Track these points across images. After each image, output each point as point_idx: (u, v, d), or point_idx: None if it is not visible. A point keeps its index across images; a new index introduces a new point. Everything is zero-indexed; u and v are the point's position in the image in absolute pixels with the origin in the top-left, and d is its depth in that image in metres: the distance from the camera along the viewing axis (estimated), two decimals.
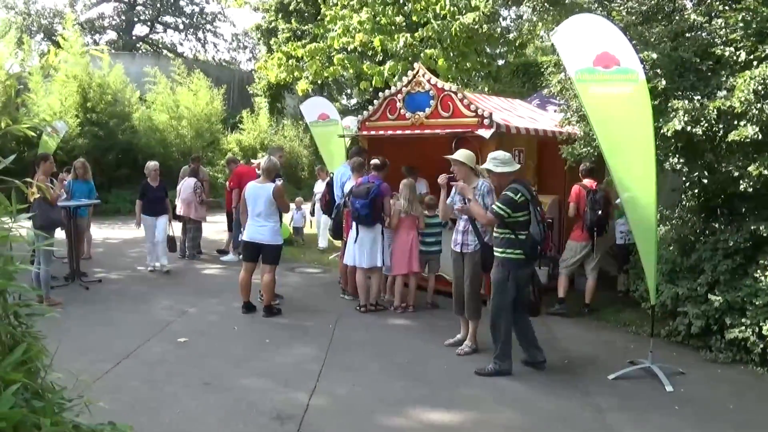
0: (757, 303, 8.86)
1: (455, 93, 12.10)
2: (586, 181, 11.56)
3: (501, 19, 21.90)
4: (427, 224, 11.84)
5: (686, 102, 8.99)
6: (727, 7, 9.79)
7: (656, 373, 8.57)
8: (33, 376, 2.98)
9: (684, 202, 10.65)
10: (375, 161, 11.70)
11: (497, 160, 8.75)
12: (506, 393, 8.09)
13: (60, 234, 13.54)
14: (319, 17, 24.66)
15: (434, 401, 7.71)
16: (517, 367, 8.89)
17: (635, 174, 8.48)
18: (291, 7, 34.59)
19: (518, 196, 8.45)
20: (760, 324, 8.79)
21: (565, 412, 7.54)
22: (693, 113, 8.86)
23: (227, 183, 17.43)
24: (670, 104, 9.10)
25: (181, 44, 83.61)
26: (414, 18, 20.32)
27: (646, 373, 8.70)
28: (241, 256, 12.38)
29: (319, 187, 16.64)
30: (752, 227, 9.25)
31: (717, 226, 10.02)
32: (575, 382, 8.52)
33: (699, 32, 10.17)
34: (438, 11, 19.39)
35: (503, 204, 8.46)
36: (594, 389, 8.27)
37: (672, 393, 8.19)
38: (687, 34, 10.01)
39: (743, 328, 8.98)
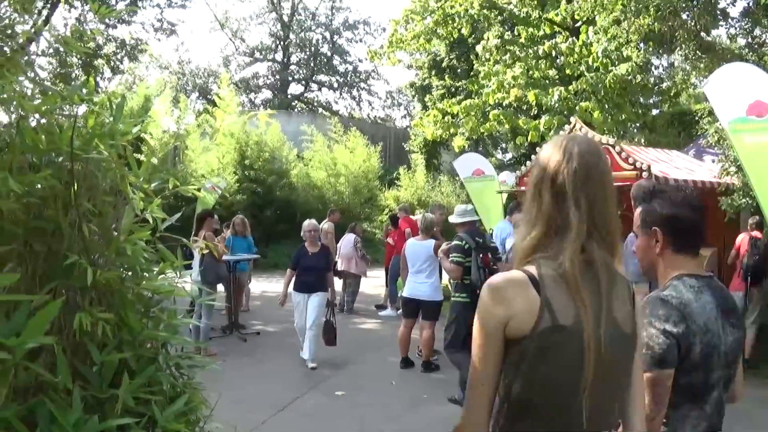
0: None
1: (613, 146, 12.06)
2: (755, 233, 11.25)
3: (653, 68, 21.63)
4: None
5: None
6: None
7: None
8: (193, 426, 3.11)
9: None
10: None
11: (455, 213, 9.84)
12: None
13: (220, 287, 13.85)
14: (472, 73, 24.95)
15: None
16: None
17: None
18: (444, 64, 35.05)
19: (463, 243, 9.35)
20: None
21: None
22: None
23: (386, 237, 17.68)
24: None
25: (336, 102, 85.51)
26: (567, 71, 20.32)
27: None
28: (399, 311, 12.51)
29: None
30: None
31: None
32: None
33: None
34: (591, 63, 19.33)
35: (456, 253, 9.38)
36: None
37: None
38: None
39: None
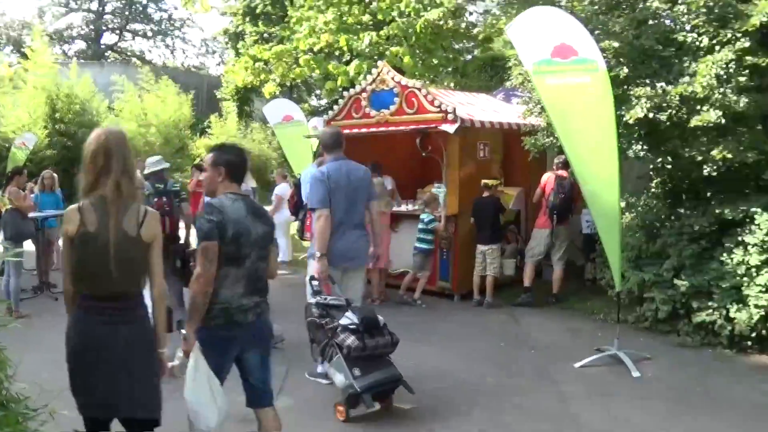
0: (723, 286, 8.85)
1: (419, 89, 12.03)
2: (560, 172, 11.49)
3: (467, 14, 21.91)
4: (424, 220, 11.77)
5: (649, 89, 9.00)
6: None
7: (623, 360, 8.51)
8: None
9: (650, 189, 10.65)
10: None
11: (146, 165, 10.35)
12: (475, 386, 8.00)
13: (29, 245, 13.24)
14: (285, 19, 24.57)
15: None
16: (481, 356, 8.88)
17: (597, 163, 8.46)
18: (258, 10, 34.47)
19: (144, 190, 9.58)
20: (728, 306, 8.79)
21: (531, 403, 7.46)
22: (656, 100, 8.87)
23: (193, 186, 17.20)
24: (632, 92, 9.09)
25: (150, 51, 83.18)
26: (380, 16, 20.24)
27: (613, 360, 8.65)
28: None
29: (281, 189, 16.32)
30: (717, 211, 9.27)
31: (682, 211, 10.02)
32: (541, 372, 8.46)
33: (662, 19, 10.17)
34: (403, 9, 19.33)
35: None
36: (560, 378, 8.23)
37: (639, 379, 8.16)
38: (650, 22, 9.99)
39: (710, 311, 8.97)
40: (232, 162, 5.12)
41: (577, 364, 8.59)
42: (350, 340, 6.71)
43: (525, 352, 9.28)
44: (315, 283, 7.41)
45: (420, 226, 11.71)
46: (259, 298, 5.17)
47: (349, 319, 6.85)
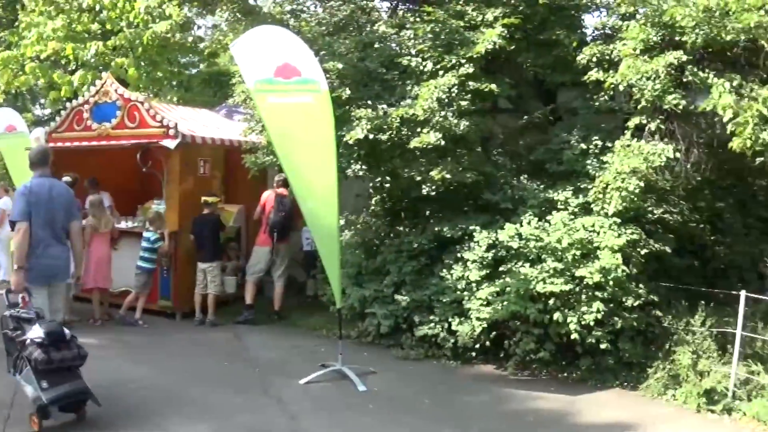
0: (444, 300, 9.20)
1: (142, 103, 11.73)
2: (281, 190, 11.48)
3: (195, 27, 21.59)
4: (146, 239, 11.40)
5: (370, 111, 9.22)
6: (418, 19, 10.15)
7: (348, 375, 8.62)
8: None
9: (370, 208, 10.91)
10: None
11: None
12: (200, 406, 7.77)
13: None
14: (15, 24, 23.10)
15: None
16: (205, 375, 8.74)
17: (316, 182, 8.55)
18: None
19: None
20: (449, 320, 9.12)
21: (260, 422, 7.37)
22: (377, 121, 9.10)
23: None
24: (354, 113, 9.28)
25: None
26: (108, 26, 19.50)
27: (338, 375, 8.73)
28: None
29: (3, 203, 15.26)
30: (436, 229, 9.63)
31: (401, 229, 10.37)
32: (267, 390, 8.38)
33: (388, 43, 10.47)
34: (132, 19, 18.73)
35: None
36: (287, 395, 8.17)
37: (365, 392, 8.29)
38: (376, 45, 10.26)
39: (432, 324, 9.30)
40: None
41: (303, 381, 8.58)
42: (37, 353, 6.60)
43: (250, 370, 9.17)
44: (11, 296, 7.20)
45: (144, 244, 11.35)
46: None
47: (35, 332, 6.73)
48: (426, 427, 7.40)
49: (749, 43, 8.17)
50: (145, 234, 11.40)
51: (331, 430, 7.20)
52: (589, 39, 10.45)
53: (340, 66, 9.50)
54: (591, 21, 11.27)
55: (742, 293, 8.26)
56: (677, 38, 8.41)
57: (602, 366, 8.96)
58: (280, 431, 7.16)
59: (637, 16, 9.11)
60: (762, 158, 7.71)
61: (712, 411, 8.01)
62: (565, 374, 9.15)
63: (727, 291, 9.05)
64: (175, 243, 11.58)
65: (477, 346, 9.20)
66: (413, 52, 10.00)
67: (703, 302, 8.86)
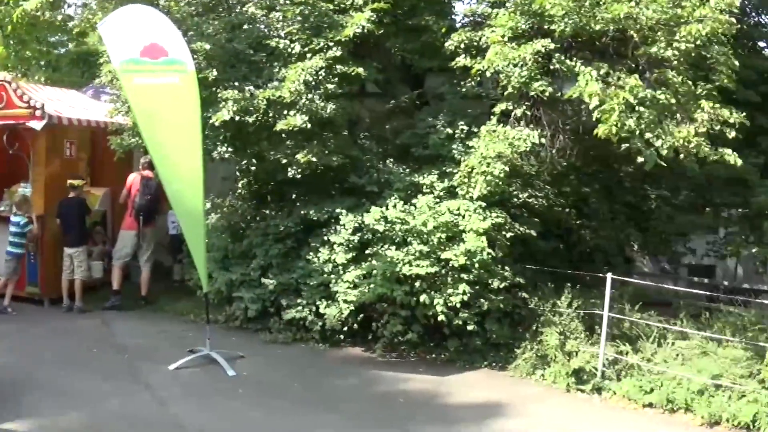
0: (311, 283, 9.25)
1: (9, 83, 11.23)
2: (146, 173, 11.25)
3: (65, 6, 20.86)
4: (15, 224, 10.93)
5: (236, 92, 9.11)
6: (287, 1, 10.07)
7: (216, 360, 8.56)
8: None
9: (236, 191, 10.86)
10: None
11: None
12: (69, 394, 7.57)
13: None
14: None
15: None
16: (73, 362, 8.53)
17: (182, 164, 8.45)
18: None
19: None
20: (317, 303, 9.17)
21: (130, 409, 7.25)
22: (243, 103, 9.00)
23: None
24: (220, 94, 9.15)
25: None
26: None
27: (207, 360, 8.66)
28: None
29: None
30: (302, 212, 9.66)
31: (267, 212, 10.34)
32: (136, 376, 8.25)
33: (257, 24, 10.37)
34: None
35: None
36: (156, 381, 8.08)
37: (234, 377, 8.28)
38: (245, 26, 10.14)
39: (300, 308, 9.33)
40: None
41: (172, 367, 8.49)
42: None
43: (118, 356, 9.01)
44: None
45: (13, 229, 10.89)
46: None
47: None
48: (296, 411, 7.45)
49: (618, 33, 8.43)
50: (14, 218, 10.95)
51: (201, 416, 7.15)
52: (458, 26, 10.60)
53: (207, 47, 9.38)
54: (461, 8, 11.44)
55: (608, 276, 8.60)
56: (546, 27, 8.59)
57: (470, 347, 9.21)
58: (150, 417, 7.06)
59: (507, 4, 9.23)
60: (627, 144, 7.95)
61: (582, 390, 8.36)
62: (434, 356, 9.37)
63: (594, 274, 9.41)
64: (41, 227, 11.19)
65: (345, 328, 9.31)
66: (282, 34, 9.95)
67: (569, 284, 9.18)
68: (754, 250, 11.58)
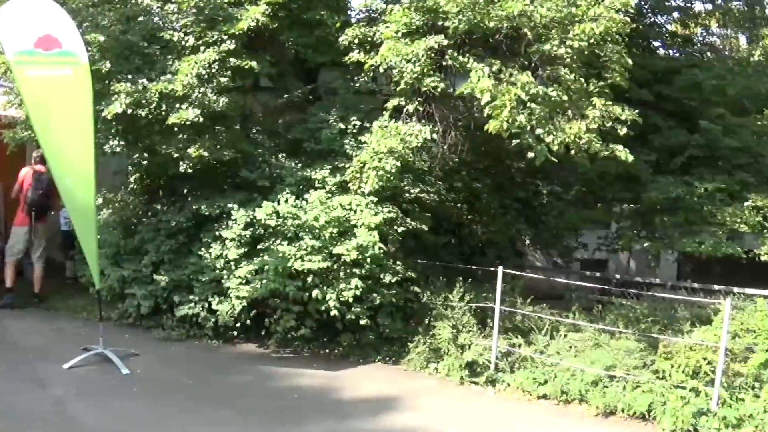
0: (203, 279, 9.21)
1: None
2: (38, 167, 11.02)
3: None
4: None
5: (129, 85, 8.96)
6: None
7: (110, 358, 8.44)
8: None
9: (128, 185, 10.75)
10: None
11: None
12: None
13: None
14: None
15: None
16: None
17: (73, 158, 8.29)
18: None
19: None
20: (209, 299, 9.16)
21: (24, 407, 7.09)
22: (135, 96, 8.87)
23: None
24: (113, 87, 9.00)
25: None
26: None
27: (101, 358, 8.52)
28: None
29: None
30: (194, 207, 9.61)
31: (159, 207, 10.27)
32: (30, 375, 8.06)
33: (152, 16, 10.24)
34: None
35: None
36: (50, 380, 7.91)
37: (129, 375, 8.17)
38: (140, 18, 10.00)
39: (192, 304, 9.31)
40: None
41: (66, 365, 8.31)
42: None
43: (11, 354, 8.79)
44: None
45: None
46: None
47: None
48: (190, 408, 7.41)
49: (512, 31, 8.55)
50: None
51: (97, 415, 7.04)
52: (353, 21, 10.66)
53: (101, 38, 9.16)
54: (357, 3, 11.44)
55: (500, 269, 8.75)
56: (440, 23, 8.67)
57: (363, 342, 9.32)
58: (45, 417, 6.91)
59: (402, 0, 9.26)
60: (518, 140, 8.10)
61: (476, 383, 8.50)
62: (327, 351, 9.44)
63: (485, 267, 9.55)
64: None
65: (238, 324, 9.28)
66: (177, 26, 9.86)
67: (461, 278, 9.29)
68: (646, 245, 11.83)
